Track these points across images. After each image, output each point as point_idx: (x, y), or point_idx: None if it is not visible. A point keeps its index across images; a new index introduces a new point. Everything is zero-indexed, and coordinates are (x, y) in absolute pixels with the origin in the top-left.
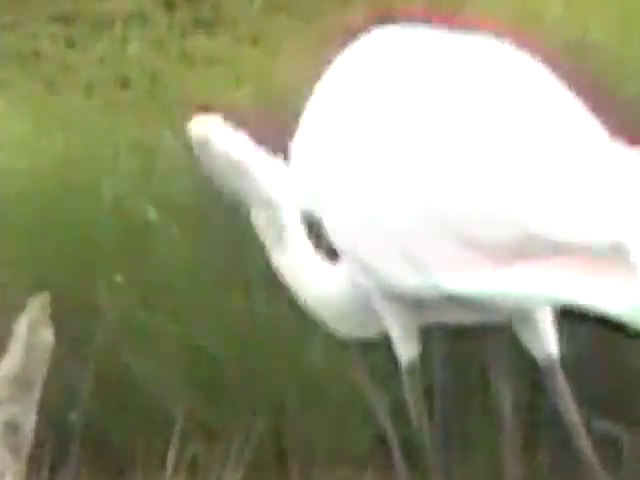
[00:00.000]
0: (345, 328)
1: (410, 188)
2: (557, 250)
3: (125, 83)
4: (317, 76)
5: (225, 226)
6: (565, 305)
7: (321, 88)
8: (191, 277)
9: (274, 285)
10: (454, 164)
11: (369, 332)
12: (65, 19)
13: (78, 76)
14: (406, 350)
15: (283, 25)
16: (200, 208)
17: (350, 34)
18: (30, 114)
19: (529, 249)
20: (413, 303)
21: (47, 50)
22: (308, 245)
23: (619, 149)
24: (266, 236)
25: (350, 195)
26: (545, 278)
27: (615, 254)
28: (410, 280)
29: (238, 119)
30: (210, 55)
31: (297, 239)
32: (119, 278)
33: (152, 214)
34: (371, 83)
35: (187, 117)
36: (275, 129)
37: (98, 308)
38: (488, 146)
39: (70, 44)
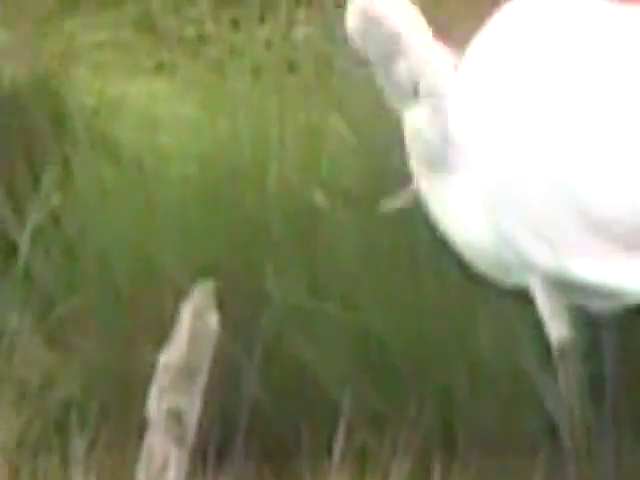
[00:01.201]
0: (498, 274)
1: (544, 161)
2: None
3: (292, 66)
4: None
5: (393, 209)
6: None
7: (476, 47)
8: (359, 262)
9: (443, 269)
10: (592, 144)
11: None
12: (230, 1)
13: (244, 59)
14: (555, 329)
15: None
16: (368, 191)
17: None
18: (195, 98)
19: None
20: (556, 281)
21: (212, 33)
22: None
23: None
24: (420, 139)
25: (494, 156)
26: None
27: None
28: (542, 259)
29: None
30: None
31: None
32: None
33: (320, 198)
34: (524, 49)
35: (354, 100)
36: None
37: (265, 294)
38: (630, 131)
39: (235, 27)
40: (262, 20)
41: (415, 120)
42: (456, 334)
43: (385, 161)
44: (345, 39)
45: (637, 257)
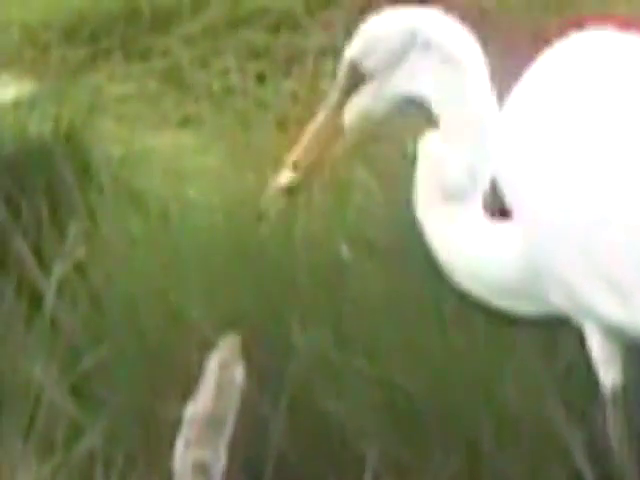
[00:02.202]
0: (501, 300)
1: (612, 204)
2: None
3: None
4: None
5: (419, 260)
6: None
7: (520, 89)
8: (385, 313)
9: (469, 320)
10: None
11: (534, 308)
12: (256, 54)
13: (270, 112)
14: (608, 375)
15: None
16: (394, 242)
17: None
18: (221, 149)
19: None
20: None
21: (238, 86)
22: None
23: None
24: (439, 167)
25: (553, 200)
26: None
27: None
28: (610, 310)
29: None
30: None
31: (477, 182)
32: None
33: (345, 251)
34: (569, 90)
35: (379, 151)
36: None
37: (291, 345)
38: None
39: (261, 79)
40: (288, 73)
41: (435, 148)
42: (482, 385)
43: (411, 212)
44: None
45: None
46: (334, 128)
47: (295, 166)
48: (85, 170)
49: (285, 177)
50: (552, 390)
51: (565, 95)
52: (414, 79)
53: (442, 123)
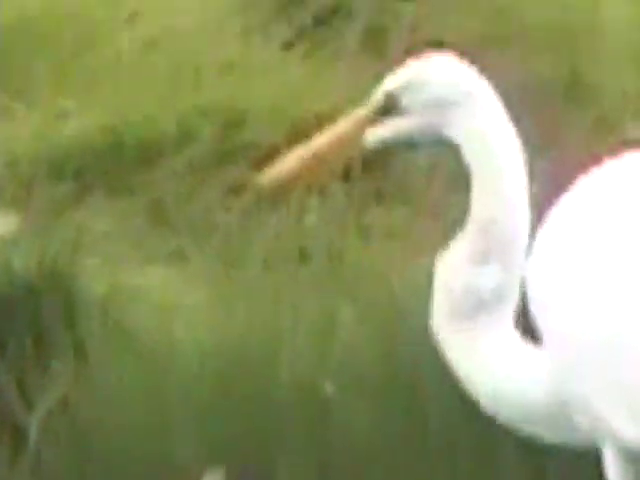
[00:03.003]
0: (529, 426)
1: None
2: None
3: (303, 256)
4: None
5: (405, 396)
6: None
7: (560, 209)
8: (371, 450)
9: (456, 456)
10: None
11: (559, 435)
12: (240, 190)
13: (255, 248)
14: None
15: (464, 201)
16: (380, 378)
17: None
18: (206, 287)
19: None
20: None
21: (222, 222)
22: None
23: None
24: (462, 286)
25: (583, 324)
26: None
27: None
28: (633, 436)
29: None
30: (388, 229)
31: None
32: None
33: (330, 388)
34: (611, 215)
35: (366, 289)
36: None
37: None
38: None
39: (246, 215)
40: (273, 209)
41: (459, 259)
42: None
43: (397, 349)
44: (355, 228)
45: None
46: (352, 143)
47: (296, 168)
48: (71, 307)
49: (278, 173)
50: None
51: (607, 221)
52: (452, 125)
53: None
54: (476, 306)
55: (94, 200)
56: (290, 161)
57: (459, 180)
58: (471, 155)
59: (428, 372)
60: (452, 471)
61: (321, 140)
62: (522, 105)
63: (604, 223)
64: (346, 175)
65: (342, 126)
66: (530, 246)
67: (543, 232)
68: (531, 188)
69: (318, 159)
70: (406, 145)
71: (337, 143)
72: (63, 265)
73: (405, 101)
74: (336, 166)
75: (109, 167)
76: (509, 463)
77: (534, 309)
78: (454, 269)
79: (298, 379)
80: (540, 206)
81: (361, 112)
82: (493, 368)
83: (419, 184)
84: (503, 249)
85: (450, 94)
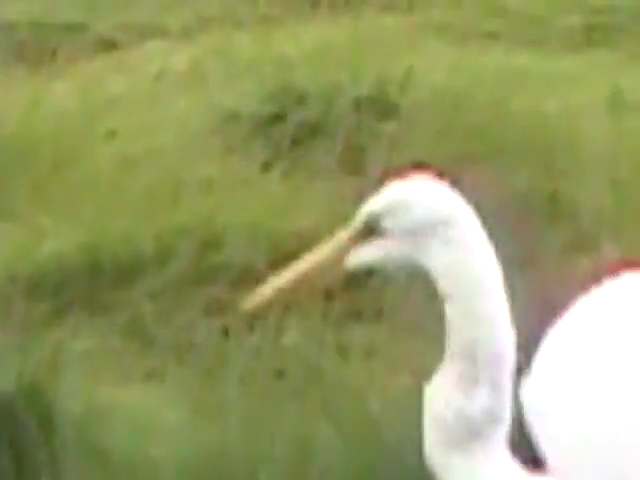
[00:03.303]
0: None
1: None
2: None
3: (281, 373)
4: None
5: None
6: None
7: (558, 330)
8: None
9: None
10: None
11: None
12: (220, 308)
13: (233, 366)
14: None
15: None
16: None
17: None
18: (184, 406)
19: None
20: None
21: (202, 340)
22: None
23: None
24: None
25: (588, 451)
26: None
27: None
28: None
29: None
30: (368, 346)
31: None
32: None
33: None
34: (605, 337)
35: (344, 408)
36: None
37: None
38: None
39: (225, 334)
40: (251, 327)
41: (446, 387)
42: None
43: (375, 468)
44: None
45: None
46: (335, 266)
47: (278, 292)
48: (49, 425)
49: (261, 297)
50: None
51: (605, 339)
52: (430, 256)
53: (450, 348)
54: (470, 432)
55: (72, 318)
56: (272, 285)
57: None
58: (447, 285)
59: None
60: None
61: (304, 264)
62: (500, 222)
63: (602, 342)
64: (325, 293)
65: (324, 249)
66: (518, 364)
67: (541, 351)
68: (511, 305)
69: (301, 283)
70: (387, 267)
71: (319, 267)
72: (41, 382)
73: (386, 224)
74: (318, 289)
75: (87, 285)
76: None
77: (536, 434)
78: (444, 398)
79: None
80: (521, 323)
81: (343, 235)
82: None
83: (397, 301)
84: (491, 370)
85: (429, 220)
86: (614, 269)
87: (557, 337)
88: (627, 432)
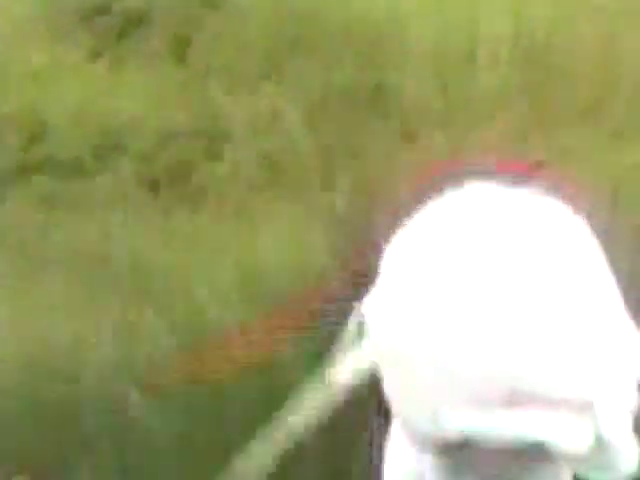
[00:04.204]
0: None
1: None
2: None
3: (107, 263)
4: (301, 254)
5: (211, 401)
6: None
7: (397, 240)
8: (175, 457)
9: None
10: (466, 320)
11: None
12: (45, 199)
13: (58, 254)
14: None
15: (268, 204)
16: (185, 386)
17: (335, 214)
18: (7, 301)
19: (517, 400)
20: (455, 465)
21: (26, 231)
22: None
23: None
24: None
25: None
26: (529, 423)
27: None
28: (423, 423)
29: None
30: (193, 234)
31: None
32: None
33: (135, 396)
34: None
35: (170, 296)
36: (259, 310)
37: None
38: (497, 312)
39: (49, 224)
40: (77, 216)
41: None
42: None
43: (201, 349)
44: None
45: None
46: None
47: None
48: None
49: None
50: None
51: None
52: None
53: None
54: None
55: None
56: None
57: (263, 184)
58: None
59: (235, 383)
60: None
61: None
62: (325, 114)
63: (443, 254)
64: (152, 182)
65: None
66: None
67: (383, 264)
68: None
69: None
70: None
71: None
72: None
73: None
74: None
75: None
76: None
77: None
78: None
79: (103, 385)
80: (352, 210)
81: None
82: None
83: (222, 190)
84: None
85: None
86: (440, 162)
87: (398, 249)
88: (453, 346)
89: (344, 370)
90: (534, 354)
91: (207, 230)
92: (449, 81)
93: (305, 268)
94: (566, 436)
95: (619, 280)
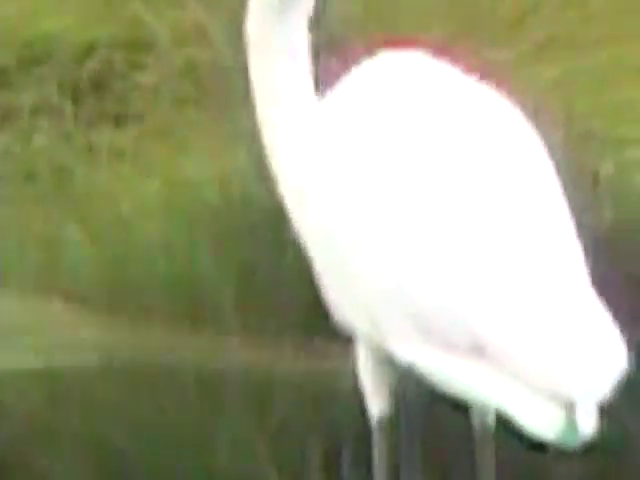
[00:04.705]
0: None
1: (377, 251)
2: (500, 363)
3: (30, 176)
4: (223, 170)
5: (132, 314)
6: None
7: (325, 106)
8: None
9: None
10: (416, 241)
11: None
12: None
13: None
14: (375, 405)
15: (191, 119)
16: (108, 298)
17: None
18: None
19: (476, 352)
20: (385, 357)
21: None
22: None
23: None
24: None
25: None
26: (484, 380)
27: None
28: (364, 330)
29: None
30: (117, 148)
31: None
32: None
33: (59, 306)
34: (361, 119)
35: (94, 210)
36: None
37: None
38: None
39: None
40: (2, 129)
41: None
42: (194, 446)
43: (125, 270)
44: None
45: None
46: None
47: None
48: None
49: None
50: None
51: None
52: None
53: None
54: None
55: None
56: None
57: (187, 99)
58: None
59: (157, 293)
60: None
61: None
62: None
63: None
64: (75, 95)
65: None
66: None
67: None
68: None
69: None
70: None
71: None
72: None
73: None
74: None
75: None
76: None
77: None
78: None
79: (25, 295)
80: None
81: None
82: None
83: (146, 103)
84: None
85: None
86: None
87: (326, 116)
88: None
89: None
90: (498, 308)
91: (131, 144)
92: None
93: (229, 182)
94: (525, 412)
95: None
